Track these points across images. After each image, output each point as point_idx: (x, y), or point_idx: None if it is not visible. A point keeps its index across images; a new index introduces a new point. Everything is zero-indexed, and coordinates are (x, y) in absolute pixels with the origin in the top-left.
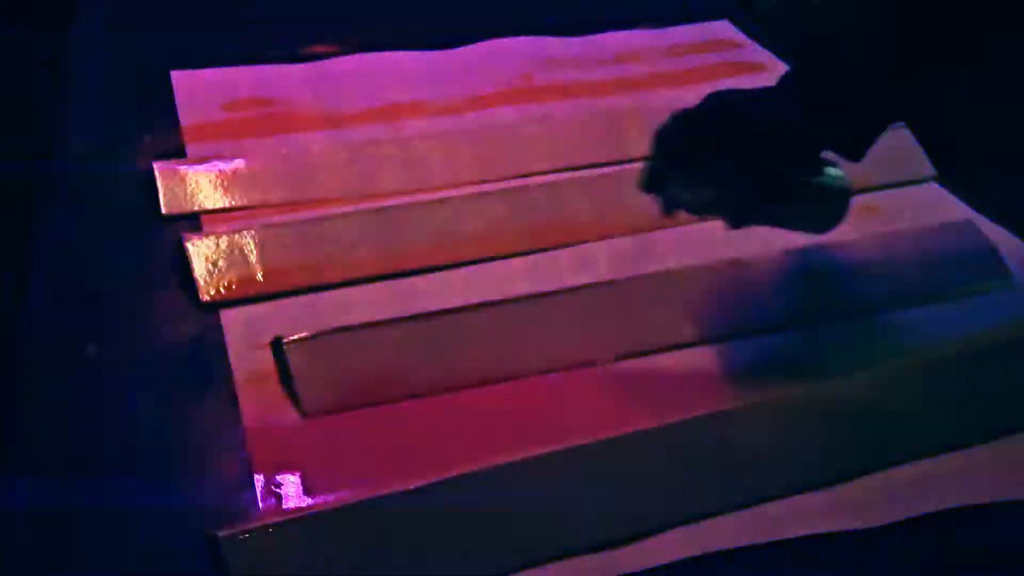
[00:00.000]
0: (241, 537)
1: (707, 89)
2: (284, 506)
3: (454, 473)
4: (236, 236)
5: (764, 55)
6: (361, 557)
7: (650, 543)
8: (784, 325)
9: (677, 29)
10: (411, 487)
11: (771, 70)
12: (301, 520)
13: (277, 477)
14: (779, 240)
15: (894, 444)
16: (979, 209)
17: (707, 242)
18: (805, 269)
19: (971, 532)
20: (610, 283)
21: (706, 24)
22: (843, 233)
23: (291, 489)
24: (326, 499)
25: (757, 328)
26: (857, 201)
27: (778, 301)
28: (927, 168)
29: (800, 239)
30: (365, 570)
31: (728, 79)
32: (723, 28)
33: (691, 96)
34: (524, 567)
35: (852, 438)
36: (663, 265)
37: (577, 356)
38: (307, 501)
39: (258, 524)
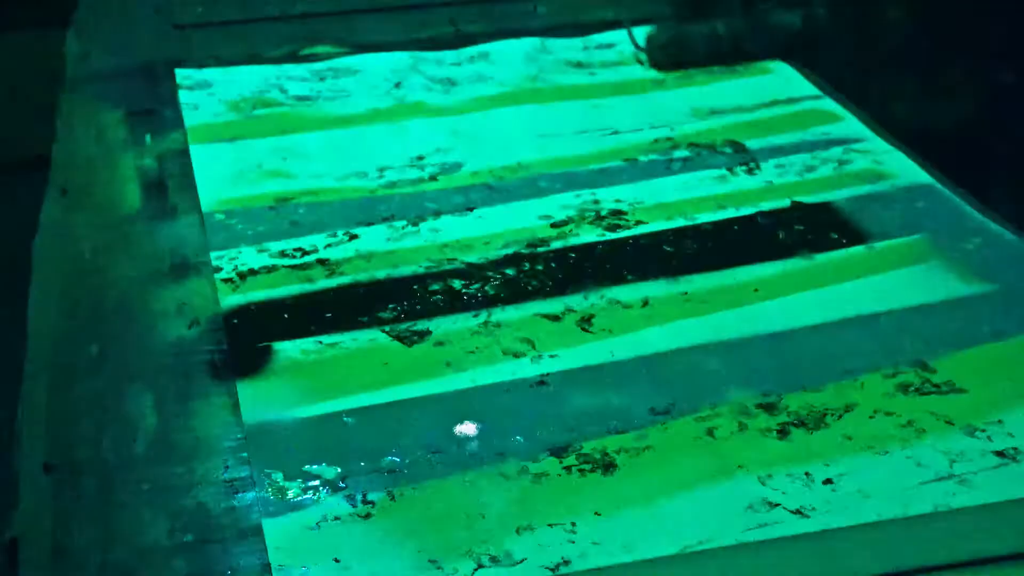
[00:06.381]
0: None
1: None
2: (283, 504)
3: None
4: None
5: None
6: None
7: None
8: None
9: None
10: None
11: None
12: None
13: (276, 476)
14: None
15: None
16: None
17: None
18: None
19: (971, 532)
20: None
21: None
22: None
23: (290, 488)
24: (324, 498)
25: None
26: None
27: None
28: None
29: None
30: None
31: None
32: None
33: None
34: None
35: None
36: None
37: None
38: (305, 500)
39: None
